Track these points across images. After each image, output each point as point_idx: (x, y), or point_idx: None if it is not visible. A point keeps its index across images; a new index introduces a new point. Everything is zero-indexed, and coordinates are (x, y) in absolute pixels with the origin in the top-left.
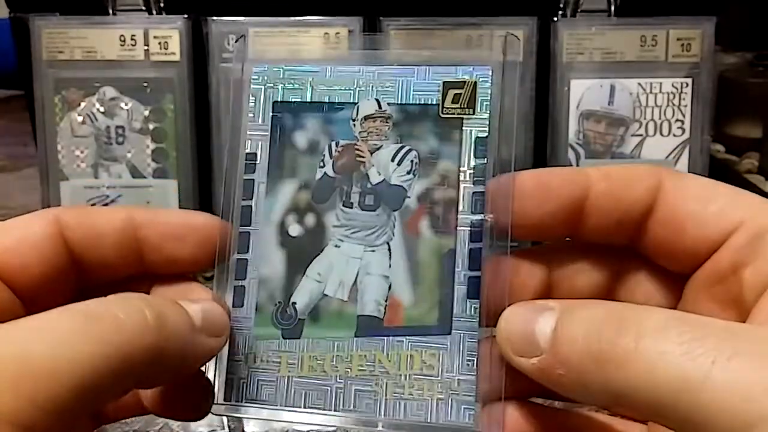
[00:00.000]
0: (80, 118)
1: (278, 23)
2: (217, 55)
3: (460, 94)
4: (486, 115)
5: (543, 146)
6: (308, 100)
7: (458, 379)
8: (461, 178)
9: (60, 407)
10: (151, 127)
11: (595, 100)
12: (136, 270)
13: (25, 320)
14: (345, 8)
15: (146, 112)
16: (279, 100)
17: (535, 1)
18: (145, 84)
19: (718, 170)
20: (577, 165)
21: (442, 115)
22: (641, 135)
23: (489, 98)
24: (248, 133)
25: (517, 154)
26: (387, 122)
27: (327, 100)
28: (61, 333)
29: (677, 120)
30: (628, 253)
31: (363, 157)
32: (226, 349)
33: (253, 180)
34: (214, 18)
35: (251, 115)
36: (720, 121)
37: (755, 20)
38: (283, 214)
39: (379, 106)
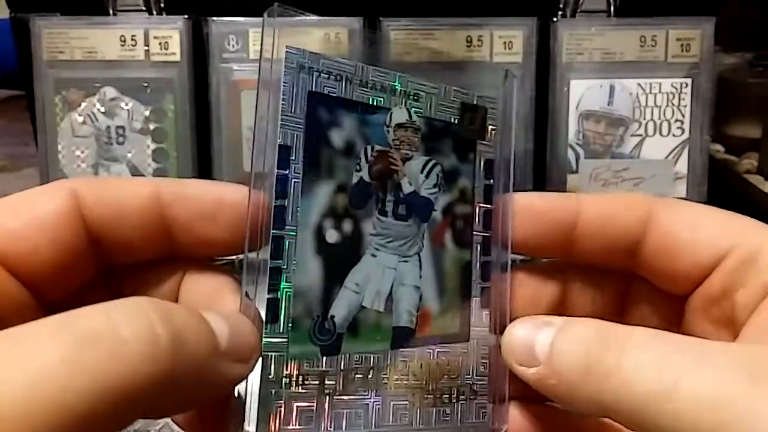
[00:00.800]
0: (81, 118)
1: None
2: (217, 56)
3: (474, 117)
4: (492, 141)
5: (543, 146)
6: (344, 95)
7: (476, 383)
8: (475, 195)
9: None
10: (151, 127)
11: (594, 100)
12: (164, 252)
13: (3, 340)
14: (345, 8)
15: (146, 113)
16: (314, 90)
17: (535, 1)
18: (146, 84)
19: (718, 170)
20: (577, 165)
21: (461, 135)
22: (641, 135)
23: (494, 125)
24: (281, 122)
25: (517, 168)
26: (417, 133)
27: (362, 100)
28: (41, 366)
29: (677, 120)
30: (630, 276)
31: (396, 165)
32: (258, 370)
33: (287, 176)
34: (214, 18)
35: (284, 102)
36: (719, 121)
37: (755, 20)
38: (320, 218)
39: (410, 117)
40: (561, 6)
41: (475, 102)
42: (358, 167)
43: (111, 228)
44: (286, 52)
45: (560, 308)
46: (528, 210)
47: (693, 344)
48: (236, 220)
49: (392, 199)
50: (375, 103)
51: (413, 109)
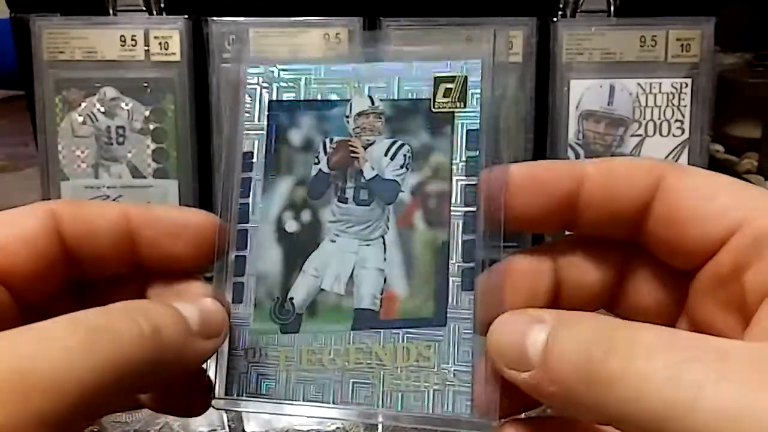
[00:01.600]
0: (81, 119)
1: (278, 23)
2: (217, 56)
3: (451, 88)
4: (477, 108)
5: (543, 146)
6: (302, 98)
7: (454, 370)
8: (454, 170)
9: (62, 421)
10: (151, 127)
11: (594, 100)
12: (132, 266)
13: (27, 332)
14: (345, 8)
15: (146, 113)
16: (274, 99)
17: (535, 1)
18: (146, 84)
19: (718, 170)
20: None
21: (434, 110)
22: (641, 135)
23: (480, 91)
24: (245, 132)
25: (515, 151)
26: (380, 118)
27: (321, 98)
28: (64, 347)
29: (677, 120)
30: (634, 249)
31: (357, 152)
32: (226, 344)
33: (251, 178)
34: (214, 18)
35: (248, 114)
36: (719, 121)
37: (755, 20)
38: (280, 210)
39: (372, 103)
40: (561, 6)
41: (451, 72)
42: (316, 160)
43: (84, 244)
44: (247, 73)
45: (557, 289)
46: (529, 180)
47: (710, 347)
48: (199, 239)
49: (353, 185)
50: (333, 98)
51: (377, 95)
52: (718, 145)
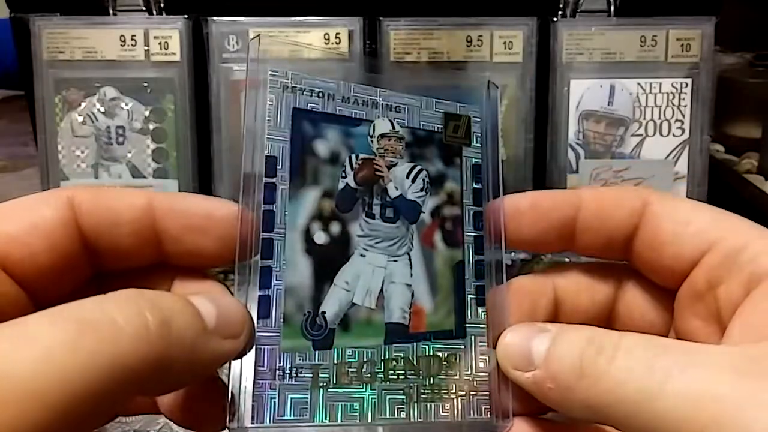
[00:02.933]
0: (81, 118)
1: (278, 23)
2: (217, 55)
3: (459, 125)
4: (479, 146)
5: (543, 146)
6: (327, 111)
7: (475, 379)
8: (464, 198)
9: (47, 431)
10: (151, 127)
11: (594, 100)
12: (155, 259)
13: (10, 326)
14: (345, 8)
15: (146, 112)
16: (298, 107)
17: (535, 1)
18: (146, 84)
19: (718, 170)
20: (577, 165)
21: (446, 142)
22: (641, 135)
23: (480, 132)
24: (267, 136)
25: (515, 151)
26: (401, 142)
27: (345, 114)
28: (46, 345)
29: (677, 120)
30: (626, 271)
31: (381, 171)
32: (251, 364)
33: (275, 183)
34: (214, 18)
35: (269, 118)
36: (719, 121)
37: (755, 20)
38: (308, 221)
39: (393, 127)
40: (561, 6)
41: (458, 112)
42: (343, 174)
43: (105, 235)
44: (270, 73)
45: (556, 309)
46: (531, 207)
47: (679, 346)
48: (225, 234)
49: (379, 202)
50: (357, 116)
51: (396, 120)
52: (718, 145)
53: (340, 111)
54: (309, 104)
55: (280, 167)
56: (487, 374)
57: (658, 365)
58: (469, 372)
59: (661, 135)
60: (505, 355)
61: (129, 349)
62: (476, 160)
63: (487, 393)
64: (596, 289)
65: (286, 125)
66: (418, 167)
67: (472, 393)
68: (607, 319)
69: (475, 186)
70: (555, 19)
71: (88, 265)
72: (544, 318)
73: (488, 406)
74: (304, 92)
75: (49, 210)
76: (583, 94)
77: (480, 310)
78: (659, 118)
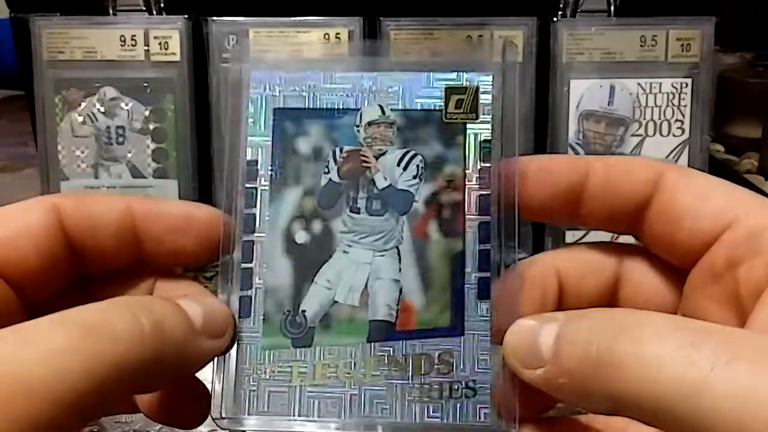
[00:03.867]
0: (80, 118)
1: (278, 23)
2: (217, 55)
3: (463, 99)
4: (489, 119)
5: (543, 146)
6: (310, 106)
7: (473, 380)
8: (467, 180)
9: (53, 426)
10: (151, 127)
11: (594, 100)
12: (136, 261)
13: (16, 332)
14: (345, 8)
15: (146, 112)
16: (279, 106)
17: (535, 1)
18: (146, 84)
19: (718, 170)
20: None
21: (446, 120)
22: (641, 135)
23: (491, 103)
24: (248, 139)
25: (520, 153)
26: (391, 128)
27: (329, 106)
28: (54, 348)
29: (677, 120)
30: (632, 251)
31: (368, 162)
32: (233, 361)
33: (256, 188)
34: (214, 18)
35: (251, 121)
36: (719, 121)
37: (755, 20)
38: (289, 221)
39: (383, 112)
40: (561, 6)
41: (463, 84)
42: (326, 170)
43: (88, 239)
44: (252, 75)
45: (561, 296)
46: (537, 170)
47: (717, 330)
48: (204, 234)
49: (365, 195)
50: (342, 106)
51: (387, 104)
52: (718, 145)
53: (324, 103)
54: (291, 102)
55: (260, 171)
56: (488, 375)
57: (698, 355)
58: (465, 372)
59: (661, 135)
60: (512, 353)
61: (126, 350)
62: (485, 135)
63: (488, 396)
64: (600, 270)
65: (267, 127)
66: (411, 153)
67: (468, 395)
68: (610, 304)
69: (482, 165)
70: (555, 19)
71: (73, 267)
72: (553, 305)
73: (488, 410)
74: (286, 91)
75: (36, 216)
76: (583, 94)
77: (482, 304)
78: (659, 118)
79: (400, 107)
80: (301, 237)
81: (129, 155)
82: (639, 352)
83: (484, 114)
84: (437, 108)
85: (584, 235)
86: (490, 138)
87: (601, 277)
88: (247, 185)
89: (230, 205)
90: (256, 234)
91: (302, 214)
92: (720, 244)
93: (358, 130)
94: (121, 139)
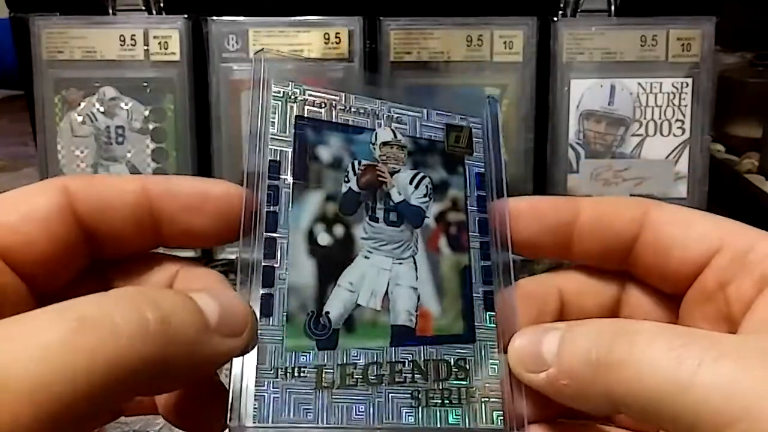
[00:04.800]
0: (80, 118)
1: (278, 23)
2: (217, 55)
3: (460, 136)
4: (481, 155)
5: (543, 146)
6: (329, 119)
7: (486, 385)
8: (468, 204)
9: (37, 430)
10: (151, 127)
11: (595, 100)
12: (152, 243)
13: (5, 326)
14: (345, 8)
15: (146, 112)
16: (301, 115)
17: (535, 1)
18: (145, 84)
19: (718, 170)
20: (578, 165)
21: (448, 151)
22: (641, 135)
23: (482, 142)
24: (270, 141)
25: (515, 151)
26: (402, 150)
27: (347, 123)
28: (44, 344)
29: (677, 120)
30: (628, 277)
31: (384, 177)
32: (254, 362)
33: (278, 186)
34: (214, 18)
35: (273, 124)
36: (720, 121)
37: (755, 20)
38: (311, 222)
39: (395, 136)
40: (561, 6)
41: (459, 123)
42: (346, 179)
43: (101, 222)
44: (274, 86)
45: (561, 312)
46: (529, 210)
47: (705, 335)
48: (221, 212)
49: (382, 207)
50: (359, 125)
51: (397, 129)
52: (718, 145)
53: (342, 120)
54: (311, 113)
55: (283, 171)
56: (498, 380)
57: (687, 354)
58: (479, 378)
59: (661, 135)
60: (517, 359)
61: (127, 348)
62: (479, 169)
63: (499, 400)
64: (600, 291)
65: (289, 132)
66: (421, 174)
67: (483, 399)
68: None
69: (479, 193)
70: (555, 19)
71: (86, 253)
72: (551, 321)
73: (501, 413)
74: (307, 102)
75: (45, 199)
76: (583, 94)
77: (488, 314)
78: (660, 118)
79: (409, 134)
80: (323, 239)
81: (128, 155)
82: (634, 355)
83: (477, 151)
84: (440, 139)
85: None
86: (483, 171)
87: (601, 297)
88: (270, 182)
89: (250, 202)
90: (278, 232)
91: (324, 216)
92: (710, 268)
93: (374, 148)
94: (120, 139)
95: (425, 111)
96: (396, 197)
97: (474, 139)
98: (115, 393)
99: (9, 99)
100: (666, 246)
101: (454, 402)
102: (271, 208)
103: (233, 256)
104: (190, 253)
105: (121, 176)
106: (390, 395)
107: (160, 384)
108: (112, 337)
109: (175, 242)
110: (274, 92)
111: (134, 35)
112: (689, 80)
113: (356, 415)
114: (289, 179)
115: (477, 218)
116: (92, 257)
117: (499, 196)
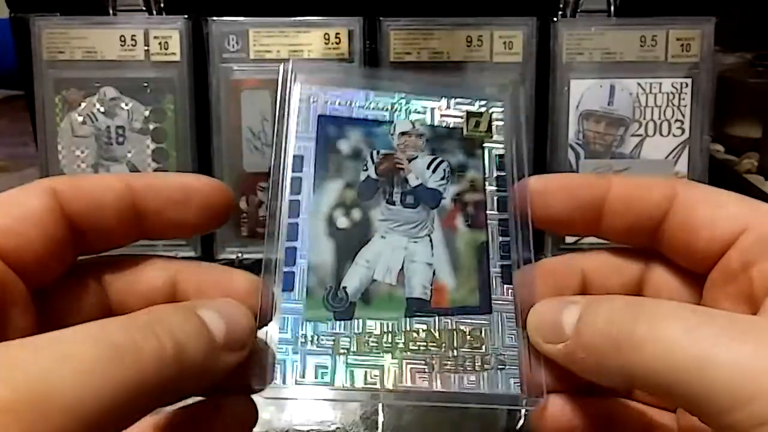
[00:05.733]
0: (80, 118)
1: (278, 23)
2: (217, 55)
3: (480, 121)
4: (502, 138)
5: (543, 146)
6: (350, 116)
7: (502, 353)
8: (486, 185)
9: None
10: (151, 127)
11: (594, 100)
12: (138, 236)
13: (46, 347)
14: (345, 8)
15: (146, 112)
16: (322, 113)
17: (535, 1)
18: (146, 84)
19: (718, 170)
20: (577, 165)
21: (466, 135)
22: (641, 135)
23: (503, 124)
24: (295, 138)
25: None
26: (420, 138)
27: (367, 118)
28: (86, 364)
29: (677, 120)
30: (652, 255)
31: (402, 164)
32: (276, 331)
33: (301, 178)
34: (214, 18)
35: (297, 123)
36: (719, 121)
37: (755, 20)
38: (331, 208)
39: (413, 126)
40: (561, 6)
41: (479, 109)
42: (365, 167)
43: (89, 219)
44: (301, 89)
45: (583, 291)
46: (560, 187)
47: (723, 315)
48: (204, 204)
49: (399, 190)
50: (378, 119)
51: (416, 121)
52: (718, 145)
53: (362, 116)
54: (333, 111)
55: (305, 164)
56: (515, 350)
57: (705, 334)
58: (496, 346)
59: (661, 135)
60: (536, 328)
61: (149, 370)
62: (499, 151)
63: (516, 368)
64: (624, 272)
65: (312, 129)
66: (439, 159)
67: (500, 367)
68: None
69: (498, 173)
70: (555, 19)
71: (75, 248)
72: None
73: (518, 381)
74: (328, 102)
75: (37, 201)
76: (583, 94)
77: (506, 287)
78: (659, 118)
79: (427, 123)
80: (342, 222)
81: (129, 155)
82: (653, 332)
83: (497, 133)
84: (458, 126)
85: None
86: (503, 153)
87: (625, 277)
88: (293, 175)
89: (276, 192)
90: (300, 218)
91: (343, 202)
92: (735, 248)
93: (392, 138)
94: (121, 139)
95: (445, 100)
96: (413, 182)
97: (495, 122)
98: (138, 409)
99: (9, 99)
100: (695, 224)
101: (468, 368)
102: (294, 197)
103: (233, 256)
104: (190, 253)
105: (106, 176)
106: (404, 361)
107: (175, 398)
108: (137, 359)
109: (161, 234)
110: (300, 95)
111: (134, 35)
112: (689, 80)
113: (371, 378)
114: (311, 172)
115: (496, 197)
116: (81, 252)
117: (521, 176)
